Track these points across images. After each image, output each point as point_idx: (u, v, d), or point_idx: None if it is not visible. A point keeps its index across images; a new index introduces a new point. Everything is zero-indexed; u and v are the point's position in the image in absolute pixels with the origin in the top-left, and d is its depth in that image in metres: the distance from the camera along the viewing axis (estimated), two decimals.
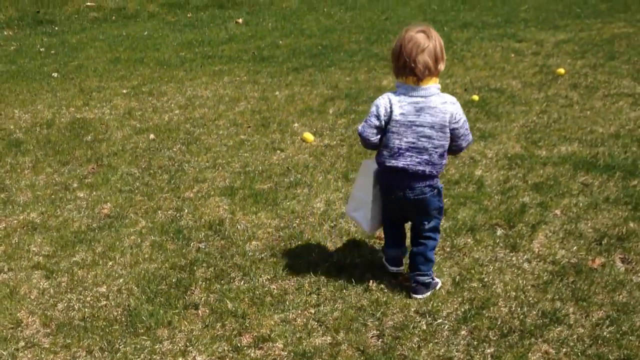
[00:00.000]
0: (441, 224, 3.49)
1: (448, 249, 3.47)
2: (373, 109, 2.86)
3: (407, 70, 2.76)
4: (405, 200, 2.94)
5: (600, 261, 3.28)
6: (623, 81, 6.35)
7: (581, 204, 3.87)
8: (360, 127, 2.90)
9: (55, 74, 7.97)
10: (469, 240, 3.55)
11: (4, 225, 4.05)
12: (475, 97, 6.01)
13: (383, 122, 2.84)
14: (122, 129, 5.78)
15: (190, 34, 10.22)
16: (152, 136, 5.52)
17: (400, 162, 2.86)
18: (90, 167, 4.92)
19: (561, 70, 6.72)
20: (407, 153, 2.85)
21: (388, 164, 2.90)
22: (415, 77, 2.75)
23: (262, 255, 3.51)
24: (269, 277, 3.30)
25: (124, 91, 7.05)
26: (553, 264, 3.28)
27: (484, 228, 3.67)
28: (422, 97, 2.79)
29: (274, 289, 3.20)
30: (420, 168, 2.86)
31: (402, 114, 2.81)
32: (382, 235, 3.57)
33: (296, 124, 5.64)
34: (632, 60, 7.15)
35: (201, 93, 6.81)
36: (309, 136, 5.21)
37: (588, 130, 5.08)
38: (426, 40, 2.75)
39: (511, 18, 10.13)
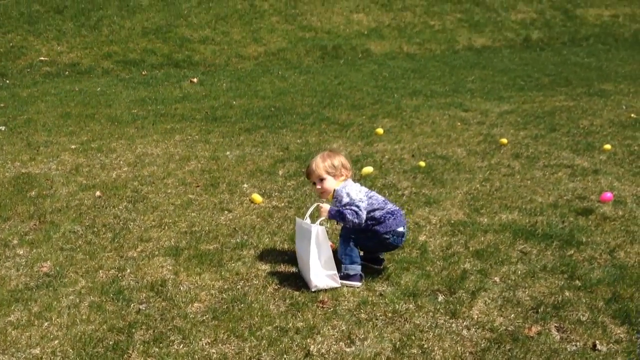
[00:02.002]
0: (384, 289, 3.68)
1: (390, 314, 3.50)
2: (355, 196, 3.78)
3: (349, 172, 3.97)
4: (402, 242, 3.99)
5: (536, 329, 3.36)
6: (563, 152, 6.62)
7: (519, 272, 3.98)
8: (358, 218, 3.73)
9: (2, 128, 7.87)
10: (411, 305, 3.59)
11: None
12: (422, 164, 6.17)
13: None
14: (68, 185, 5.71)
15: (144, 92, 10.27)
16: (98, 193, 5.47)
17: (400, 210, 3.94)
18: (32, 224, 4.83)
19: (504, 140, 6.97)
20: (390, 203, 3.95)
21: (397, 214, 3.88)
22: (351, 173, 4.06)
23: (204, 318, 3.47)
24: (209, 340, 3.26)
25: (73, 147, 7.00)
26: (491, 331, 3.34)
27: (425, 294, 3.72)
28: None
29: (213, 353, 3.16)
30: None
31: (366, 191, 3.93)
32: (324, 299, 3.60)
33: (245, 185, 5.67)
34: (572, 132, 7.47)
35: (151, 151, 6.81)
36: (257, 197, 5.24)
37: (528, 199, 5.25)
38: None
39: (458, 88, 10.51)
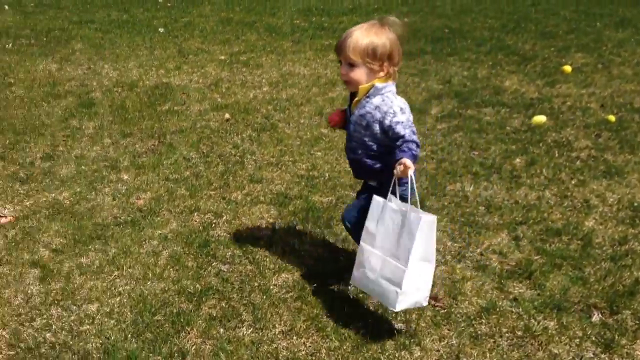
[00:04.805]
0: (521, 292, 2.92)
1: (519, 332, 2.66)
2: (410, 116, 2.52)
3: (395, 70, 2.59)
4: None
5: None
6: None
7: None
8: (417, 138, 2.47)
9: (161, 29, 7.67)
10: (552, 323, 2.72)
11: (30, 202, 3.69)
12: (612, 118, 4.97)
13: None
14: (202, 102, 5.32)
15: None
16: (227, 116, 5.01)
17: None
18: (151, 144, 4.49)
19: None
20: None
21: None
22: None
23: (288, 295, 2.87)
24: (283, 329, 2.66)
25: (222, 57, 6.60)
26: None
27: (576, 308, 2.81)
28: None
29: (283, 348, 2.56)
30: None
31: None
32: (438, 296, 2.84)
33: None
34: None
35: (298, 70, 6.22)
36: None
37: None
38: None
39: None
